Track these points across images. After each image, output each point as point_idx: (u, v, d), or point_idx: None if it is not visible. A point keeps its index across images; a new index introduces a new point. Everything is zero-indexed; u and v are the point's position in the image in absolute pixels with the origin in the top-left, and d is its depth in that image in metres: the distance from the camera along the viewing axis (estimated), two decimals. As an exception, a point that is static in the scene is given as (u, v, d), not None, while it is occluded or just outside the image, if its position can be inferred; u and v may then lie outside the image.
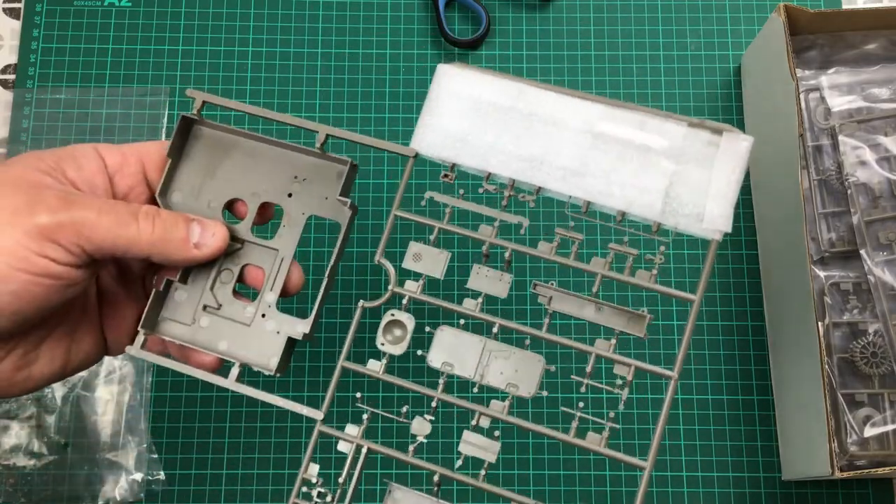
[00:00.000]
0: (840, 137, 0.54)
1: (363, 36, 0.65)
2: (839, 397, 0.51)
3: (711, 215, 0.38)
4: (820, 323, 0.50)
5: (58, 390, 0.58)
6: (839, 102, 0.56)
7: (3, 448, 0.56)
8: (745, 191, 0.62)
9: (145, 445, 0.57)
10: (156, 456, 0.57)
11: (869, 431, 0.51)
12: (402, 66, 0.64)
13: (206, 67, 0.64)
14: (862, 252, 0.53)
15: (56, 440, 0.57)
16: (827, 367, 0.50)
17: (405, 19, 0.65)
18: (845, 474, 0.47)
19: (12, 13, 0.66)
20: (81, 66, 0.64)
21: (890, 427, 0.51)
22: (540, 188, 0.39)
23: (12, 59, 0.65)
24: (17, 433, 0.57)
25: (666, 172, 0.38)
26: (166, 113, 0.63)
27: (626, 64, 0.64)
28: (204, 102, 0.42)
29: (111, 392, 0.58)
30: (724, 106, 0.63)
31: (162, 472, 0.56)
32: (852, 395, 0.52)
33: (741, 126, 0.63)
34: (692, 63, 0.64)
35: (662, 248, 0.38)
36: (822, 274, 0.54)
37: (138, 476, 0.56)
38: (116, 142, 0.63)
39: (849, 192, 0.53)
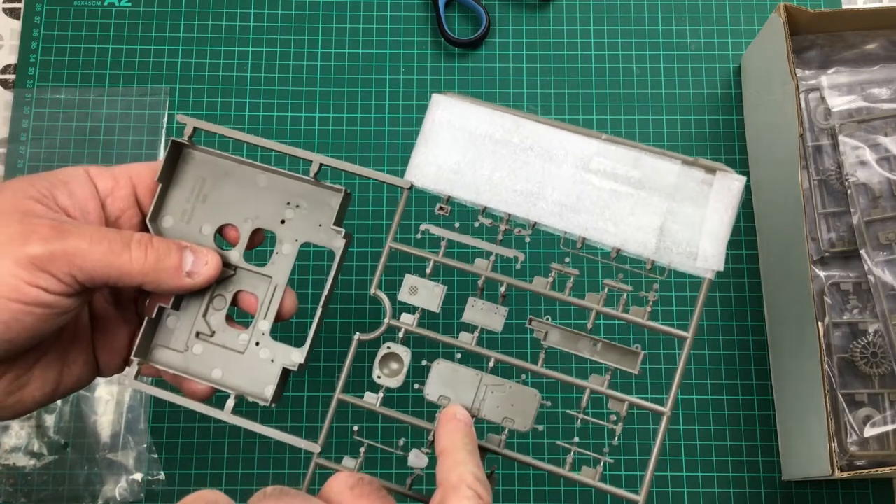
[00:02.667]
0: (840, 137, 0.54)
1: (363, 36, 0.65)
2: (839, 397, 0.51)
3: (705, 254, 0.39)
4: (820, 323, 0.50)
5: (58, 390, 0.58)
6: (839, 102, 0.56)
7: (3, 448, 0.56)
8: (746, 191, 0.61)
9: (145, 445, 0.57)
10: (156, 456, 0.57)
11: (869, 431, 0.51)
12: (402, 66, 0.64)
13: (206, 67, 0.64)
14: (862, 252, 0.53)
15: (56, 440, 0.57)
16: (827, 367, 0.50)
17: (405, 19, 0.65)
18: (845, 474, 0.47)
19: (12, 13, 0.66)
20: (81, 66, 0.64)
21: (890, 427, 0.51)
22: (535, 223, 0.40)
23: (12, 59, 0.65)
24: (17, 433, 0.57)
25: (660, 210, 0.39)
26: (166, 113, 0.63)
27: (626, 64, 0.64)
28: (195, 128, 0.41)
29: (111, 392, 0.58)
30: (724, 106, 0.63)
31: (162, 472, 0.56)
32: (852, 395, 0.52)
33: (741, 126, 0.63)
34: (692, 63, 0.64)
35: (656, 285, 0.39)
36: (822, 274, 0.54)
37: (138, 476, 0.56)
38: (116, 142, 0.63)
39: (849, 192, 0.53)
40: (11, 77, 0.64)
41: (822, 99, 0.56)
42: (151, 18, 0.65)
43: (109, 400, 0.58)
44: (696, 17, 0.65)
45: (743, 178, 0.39)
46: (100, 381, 0.58)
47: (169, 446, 0.57)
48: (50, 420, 0.57)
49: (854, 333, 0.53)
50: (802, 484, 0.56)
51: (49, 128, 0.63)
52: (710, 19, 0.65)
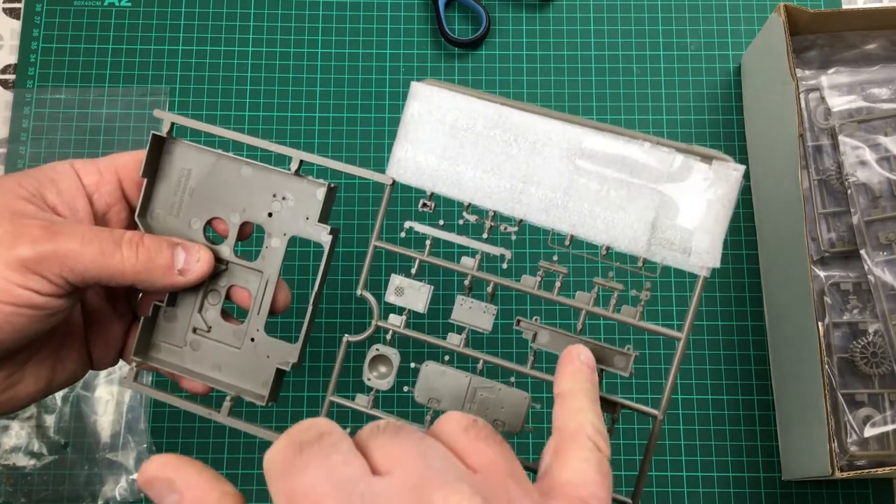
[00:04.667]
0: (840, 137, 0.54)
1: (363, 36, 0.65)
2: (839, 397, 0.51)
3: (699, 250, 0.36)
4: (820, 323, 0.50)
5: (58, 390, 0.58)
6: (839, 102, 0.56)
7: (3, 448, 0.56)
8: (746, 191, 0.62)
9: (145, 445, 0.57)
10: (156, 456, 0.57)
11: (869, 431, 0.51)
12: (402, 66, 0.64)
13: (206, 67, 0.64)
14: (862, 252, 0.53)
15: (56, 440, 0.57)
16: (827, 367, 0.50)
17: (405, 19, 0.65)
18: (845, 474, 0.47)
19: (12, 13, 0.66)
20: (81, 66, 0.64)
21: (890, 427, 0.51)
22: (522, 219, 0.38)
23: (12, 59, 0.65)
24: (17, 433, 0.57)
25: (652, 204, 0.37)
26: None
27: (626, 64, 0.64)
28: (173, 124, 0.41)
29: (111, 392, 0.58)
30: (724, 106, 0.63)
31: (162, 472, 0.56)
32: (852, 395, 0.52)
33: (741, 126, 0.63)
34: (692, 63, 0.64)
35: (648, 283, 0.38)
36: (822, 274, 0.54)
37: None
38: (116, 142, 0.63)
39: (849, 192, 0.53)
40: (11, 77, 0.64)
41: (822, 99, 0.56)
42: (151, 18, 0.65)
43: (109, 400, 0.58)
44: (696, 17, 0.65)
45: (742, 168, 0.36)
46: (100, 380, 0.58)
47: (169, 446, 0.57)
48: (50, 420, 0.57)
49: (854, 333, 0.53)
50: (802, 484, 0.56)
51: (49, 128, 0.63)
52: (710, 19, 0.65)
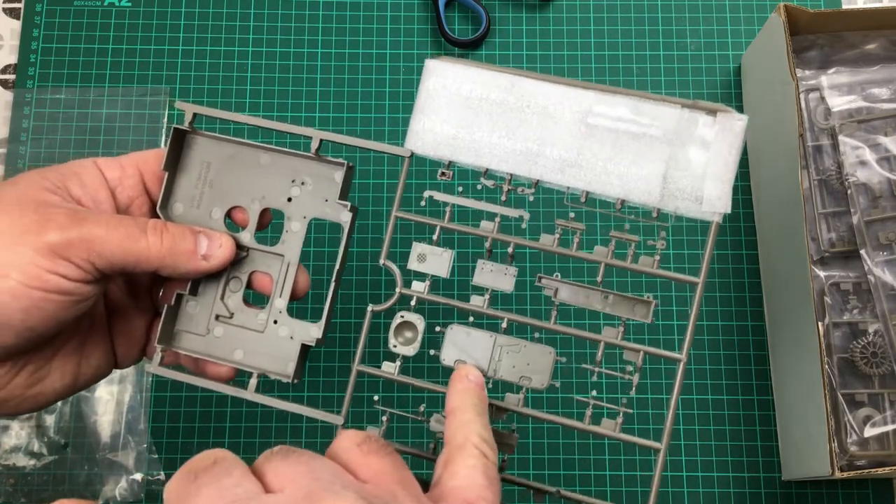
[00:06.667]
0: (840, 137, 0.54)
1: (363, 36, 0.65)
2: (839, 397, 0.51)
3: (710, 197, 0.38)
4: (820, 323, 0.50)
5: (58, 390, 0.58)
6: (839, 102, 0.56)
7: (3, 448, 0.56)
8: (746, 190, 0.62)
9: (145, 445, 0.57)
10: (156, 456, 0.57)
11: (869, 431, 0.51)
12: (402, 66, 0.64)
13: (206, 67, 0.64)
14: (862, 252, 0.53)
15: (56, 440, 0.57)
16: (827, 367, 0.50)
17: (405, 19, 0.65)
18: (845, 474, 0.47)
19: (12, 13, 0.66)
20: (81, 66, 0.64)
21: (890, 427, 0.51)
22: (538, 181, 0.40)
23: (12, 59, 0.65)
24: (17, 433, 0.57)
25: (662, 157, 0.39)
26: (166, 113, 0.63)
27: (626, 64, 0.64)
28: (195, 114, 0.42)
29: (111, 392, 0.58)
30: (724, 106, 0.63)
31: (162, 472, 0.56)
32: (852, 395, 0.52)
33: (741, 126, 0.63)
34: (692, 63, 0.64)
35: (663, 233, 0.39)
36: (822, 274, 0.54)
37: (138, 476, 0.56)
38: (116, 142, 0.63)
39: (849, 192, 0.53)
40: (11, 77, 0.64)
41: (822, 99, 0.56)
42: (151, 18, 0.65)
43: (109, 400, 0.58)
44: (696, 17, 0.65)
45: (745, 118, 0.38)
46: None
47: (169, 446, 0.57)
48: (50, 420, 0.57)
49: (854, 333, 0.53)
50: (802, 484, 0.56)
51: (49, 128, 0.63)
52: (710, 19, 0.65)
